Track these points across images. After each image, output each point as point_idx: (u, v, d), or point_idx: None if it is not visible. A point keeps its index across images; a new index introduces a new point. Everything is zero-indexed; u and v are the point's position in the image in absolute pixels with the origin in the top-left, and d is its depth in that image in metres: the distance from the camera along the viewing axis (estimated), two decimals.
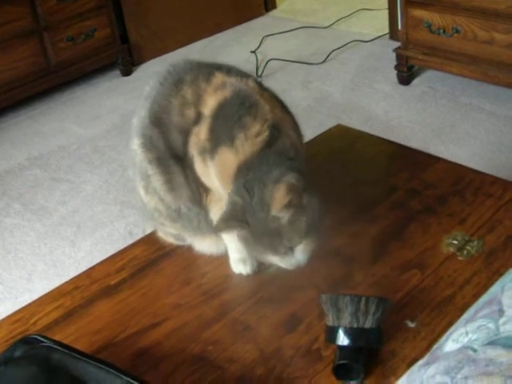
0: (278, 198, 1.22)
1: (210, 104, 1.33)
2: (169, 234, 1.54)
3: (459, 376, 0.85)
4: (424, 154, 1.81)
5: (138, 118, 1.44)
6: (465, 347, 0.91)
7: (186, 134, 1.35)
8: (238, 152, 1.27)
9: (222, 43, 4.39)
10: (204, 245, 1.50)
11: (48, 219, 2.81)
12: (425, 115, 3.25)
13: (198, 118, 1.34)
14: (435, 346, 1.01)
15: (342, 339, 1.16)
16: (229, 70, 1.40)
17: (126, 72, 4.08)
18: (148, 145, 1.40)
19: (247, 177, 1.25)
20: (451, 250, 1.41)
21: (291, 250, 1.27)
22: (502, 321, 0.92)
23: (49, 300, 1.42)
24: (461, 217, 1.51)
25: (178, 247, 1.52)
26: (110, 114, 3.63)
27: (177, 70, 1.42)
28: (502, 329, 0.90)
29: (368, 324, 1.16)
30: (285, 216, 1.23)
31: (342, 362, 1.15)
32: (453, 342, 0.95)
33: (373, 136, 1.96)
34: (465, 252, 1.40)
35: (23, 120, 3.71)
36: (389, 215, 1.54)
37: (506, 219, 1.48)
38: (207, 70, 1.39)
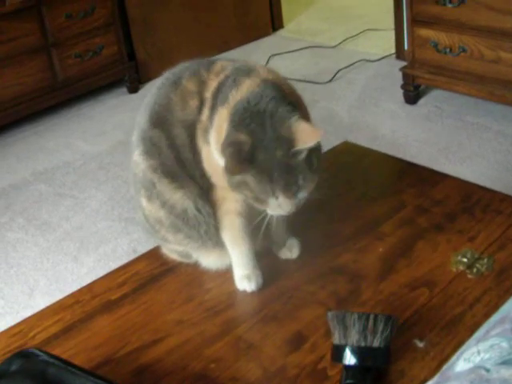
0: (299, 132, 1.20)
1: (211, 86, 1.32)
2: (173, 250, 1.51)
3: None
4: (432, 171, 1.78)
5: (138, 127, 1.43)
6: (477, 367, 0.88)
7: (191, 127, 1.33)
8: (229, 105, 1.26)
9: None
10: (209, 259, 1.47)
11: (51, 234, 2.79)
12: (431, 134, 3.23)
13: (202, 104, 1.32)
14: (445, 366, 0.98)
15: (349, 358, 1.13)
16: (230, 60, 1.40)
17: (133, 89, 4.07)
18: (149, 150, 1.38)
19: (245, 114, 1.23)
20: (460, 267, 1.39)
21: (300, 189, 1.24)
22: None
23: (49, 314, 1.39)
24: (470, 234, 1.49)
25: (182, 263, 1.49)
26: (116, 131, 3.61)
27: (174, 72, 1.41)
28: None
29: (376, 343, 1.13)
30: (304, 152, 1.21)
31: (348, 381, 1.12)
32: (464, 361, 0.92)
33: (379, 153, 1.94)
34: (474, 270, 1.37)
35: (29, 135, 3.70)
36: (397, 232, 1.52)
37: None
38: (207, 61, 1.39)
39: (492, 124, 3.25)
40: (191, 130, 1.33)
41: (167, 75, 1.42)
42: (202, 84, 1.34)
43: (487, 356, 0.89)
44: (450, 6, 3.14)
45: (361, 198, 1.64)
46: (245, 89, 1.27)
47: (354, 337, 1.13)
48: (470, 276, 1.37)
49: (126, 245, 2.65)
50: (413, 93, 3.52)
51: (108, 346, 1.29)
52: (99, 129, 3.70)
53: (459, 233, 1.49)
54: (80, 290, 1.46)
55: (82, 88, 3.87)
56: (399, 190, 1.67)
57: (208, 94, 1.32)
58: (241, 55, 4.49)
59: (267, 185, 1.22)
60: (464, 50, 3.17)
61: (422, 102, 3.56)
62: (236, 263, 1.42)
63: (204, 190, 1.37)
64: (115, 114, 3.85)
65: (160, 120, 1.37)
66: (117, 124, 3.70)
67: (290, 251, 1.49)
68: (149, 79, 4.15)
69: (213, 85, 1.32)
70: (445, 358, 1.14)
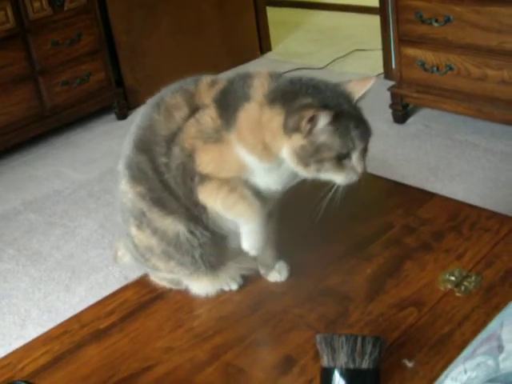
0: (354, 84, 1.29)
1: (208, 96, 1.31)
2: (163, 278, 1.50)
3: None
4: (419, 190, 1.79)
5: (123, 155, 1.42)
6: None
7: (172, 137, 1.31)
8: (257, 99, 1.26)
9: None
10: (201, 285, 1.45)
11: (42, 264, 2.78)
12: (420, 153, 3.24)
13: (193, 112, 1.30)
14: None
15: (338, 381, 1.12)
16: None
17: (122, 116, 4.08)
18: (136, 177, 1.37)
19: (295, 89, 1.25)
20: (449, 286, 1.38)
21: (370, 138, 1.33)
22: (501, 357, 0.89)
23: (37, 345, 1.38)
24: (458, 252, 1.48)
25: (170, 289, 1.48)
26: (106, 158, 3.61)
27: (155, 97, 1.39)
28: (502, 365, 0.87)
29: (365, 365, 1.12)
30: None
31: None
32: (451, 380, 0.92)
33: (367, 173, 1.93)
34: (462, 288, 1.37)
35: (18, 164, 3.70)
36: (384, 253, 1.51)
37: (504, 254, 1.45)
38: (191, 79, 1.37)
39: (480, 141, 3.26)
40: (174, 138, 1.31)
41: (148, 101, 1.40)
42: (190, 96, 1.32)
43: (474, 374, 0.89)
44: (435, 25, 3.17)
45: (349, 218, 1.63)
46: (265, 82, 1.28)
47: (342, 359, 1.12)
48: (458, 294, 1.36)
49: (117, 272, 2.64)
50: (401, 112, 3.54)
51: (97, 376, 1.28)
52: (88, 156, 3.70)
53: (447, 251, 1.49)
54: (68, 320, 1.45)
55: (71, 116, 3.88)
56: (387, 210, 1.66)
57: (206, 101, 1.30)
58: None
59: (347, 136, 1.25)
60: (451, 69, 3.19)
61: (410, 120, 3.57)
62: (248, 233, 1.35)
63: (191, 211, 1.36)
64: (104, 141, 3.85)
65: (144, 143, 1.36)
66: (106, 151, 3.70)
67: (279, 274, 1.48)
68: (138, 105, 4.15)
69: (211, 92, 1.31)
70: (434, 378, 1.13)
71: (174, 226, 1.37)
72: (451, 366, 0.98)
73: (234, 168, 1.29)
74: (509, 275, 1.39)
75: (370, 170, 2.23)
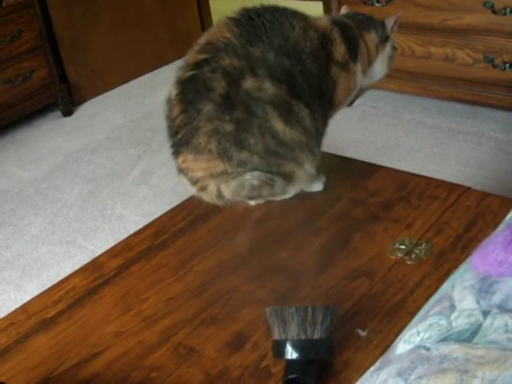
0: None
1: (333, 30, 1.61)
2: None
3: (413, 377, 0.80)
4: (365, 164, 1.78)
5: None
6: (417, 347, 0.87)
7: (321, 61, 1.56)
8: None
9: (163, 78, 4.35)
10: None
11: None
12: (368, 134, 3.25)
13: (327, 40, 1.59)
14: (388, 351, 0.97)
15: (291, 353, 1.10)
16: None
17: (67, 112, 4.00)
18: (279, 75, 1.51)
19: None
20: (399, 255, 1.38)
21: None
22: (453, 316, 0.88)
23: None
24: (407, 222, 1.48)
25: (117, 274, 1.45)
26: (52, 155, 3.54)
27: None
28: (454, 324, 0.87)
29: (317, 334, 1.11)
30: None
31: (291, 376, 1.09)
32: (404, 343, 0.91)
33: None
34: (413, 256, 1.37)
35: None
36: (333, 226, 1.50)
37: (454, 220, 1.46)
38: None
39: (427, 119, 3.28)
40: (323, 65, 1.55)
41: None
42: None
43: (427, 335, 0.88)
44: (378, 5, 3.17)
45: (296, 194, 1.62)
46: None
47: (293, 330, 1.10)
48: (409, 262, 1.36)
49: (68, 268, 2.58)
50: None
51: (46, 365, 1.25)
52: (35, 154, 3.62)
53: (396, 221, 1.49)
54: (15, 311, 1.41)
55: (15, 114, 3.78)
56: (334, 184, 1.66)
57: (334, 35, 1.59)
58: (174, 71, 4.46)
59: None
60: (395, 48, 3.19)
61: (357, 102, 3.57)
62: None
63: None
64: (50, 138, 3.78)
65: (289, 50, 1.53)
66: (52, 148, 3.63)
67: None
68: (82, 101, 4.11)
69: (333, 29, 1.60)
70: (388, 345, 1.11)
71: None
72: (405, 330, 0.98)
73: (353, 92, 1.66)
74: (459, 241, 1.40)
75: None
